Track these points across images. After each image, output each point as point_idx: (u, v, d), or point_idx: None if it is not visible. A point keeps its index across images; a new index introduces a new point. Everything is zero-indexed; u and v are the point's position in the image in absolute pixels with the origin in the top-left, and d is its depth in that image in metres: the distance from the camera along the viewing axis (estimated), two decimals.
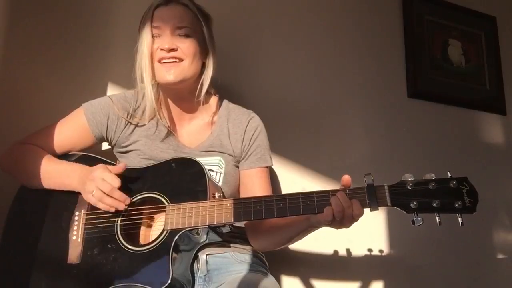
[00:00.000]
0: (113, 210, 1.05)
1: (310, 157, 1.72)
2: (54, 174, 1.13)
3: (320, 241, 1.64)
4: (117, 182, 1.04)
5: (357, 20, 1.97)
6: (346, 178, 1.02)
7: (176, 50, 1.15)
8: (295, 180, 1.67)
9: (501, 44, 2.29)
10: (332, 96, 1.84)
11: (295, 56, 1.81)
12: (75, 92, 1.41)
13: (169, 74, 1.15)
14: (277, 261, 1.39)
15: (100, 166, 1.08)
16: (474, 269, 1.96)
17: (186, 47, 1.16)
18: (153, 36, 1.17)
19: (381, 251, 1.76)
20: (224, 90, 1.37)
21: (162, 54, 1.15)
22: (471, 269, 1.95)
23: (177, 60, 1.15)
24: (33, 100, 1.41)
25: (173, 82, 1.15)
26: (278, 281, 1.54)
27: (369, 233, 1.74)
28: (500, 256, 2.06)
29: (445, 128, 2.06)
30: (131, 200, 1.07)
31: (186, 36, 1.17)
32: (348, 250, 1.69)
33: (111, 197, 1.04)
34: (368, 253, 1.72)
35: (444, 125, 2.06)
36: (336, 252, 1.68)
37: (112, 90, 1.47)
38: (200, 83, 1.20)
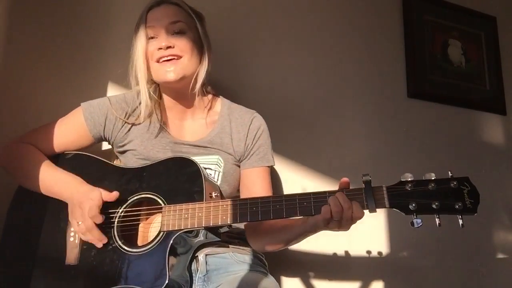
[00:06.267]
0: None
1: (309, 157, 1.71)
2: (48, 182, 1.13)
3: (320, 241, 1.63)
4: (99, 219, 1.03)
5: (357, 20, 1.96)
6: (345, 181, 1.00)
7: (173, 47, 1.15)
8: (295, 180, 1.66)
9: (501, 44, 2.29)
10: (331, 96, 1.84)
11: (294, 56, 1.80)
12: (76, 91, 1.41)
13: (169, 73, 1.14)
14: (277, 261, 1.39)
15: (94, 194, 1.05)
16: (474, 269, 1.95)
17: (183, 44, 1.16)
18: (148, 38, 1.17)
19: (381, 252, 1.75)
20: (224, 90, 1.37)
21: (160, 53, 1.15)
22: (471, 269, 1.95)
23: (175, 57, 1.15)
24: (34, 100, 1.41)
25: (174, 80, 1.15)
26: (278, 281, 1.54)
27: (369, 234, 1.73)
28: (500, 256, 2.06)
29: (445, 128, 2.05)
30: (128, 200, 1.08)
31: (181, 33, 1.17)
32: (348, 251, 1.69)
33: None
34: (368, 254, 1.71)
35: (444, 125, 2.06)
36: (336, 253, 1.68)
37: (112, 90, 1.47)
38: (194, 76, 1.19)
